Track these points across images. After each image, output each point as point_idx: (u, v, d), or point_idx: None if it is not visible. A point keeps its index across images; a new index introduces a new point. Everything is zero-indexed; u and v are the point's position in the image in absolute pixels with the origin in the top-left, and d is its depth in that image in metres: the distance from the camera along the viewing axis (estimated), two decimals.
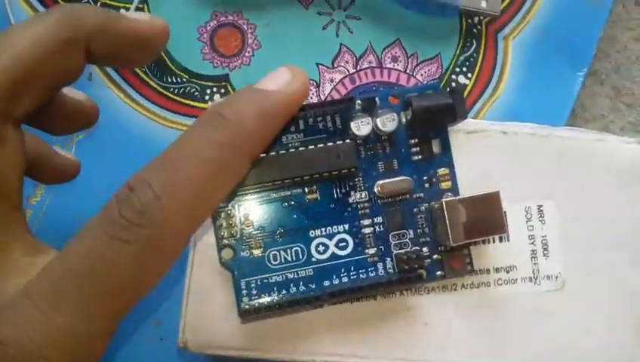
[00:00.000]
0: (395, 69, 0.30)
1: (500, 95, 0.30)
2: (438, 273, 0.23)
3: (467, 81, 0.30)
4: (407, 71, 0.30)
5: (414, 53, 0.30)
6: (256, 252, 0.23)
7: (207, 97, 0.28)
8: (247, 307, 0.22)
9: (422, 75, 0.30)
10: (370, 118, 0.23)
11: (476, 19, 0.30)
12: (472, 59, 0.30)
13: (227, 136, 0.18)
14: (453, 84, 0.30)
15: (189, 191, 0.17)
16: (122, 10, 0.29)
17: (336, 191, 0.23)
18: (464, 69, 0.30)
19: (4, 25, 0.29)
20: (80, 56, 0.19)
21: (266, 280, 0.23)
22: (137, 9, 0.29)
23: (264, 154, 0.22)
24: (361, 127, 0.23)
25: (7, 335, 0.16)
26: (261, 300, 0.22)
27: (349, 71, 0.29)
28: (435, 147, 0.23)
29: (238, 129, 0.19)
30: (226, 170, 0.19)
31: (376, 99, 0.23)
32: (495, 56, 0.30)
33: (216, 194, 0.19)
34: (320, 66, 0.29)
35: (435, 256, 0.23)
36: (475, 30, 0.30)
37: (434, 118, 0.23)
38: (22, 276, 0.17)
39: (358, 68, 0.30)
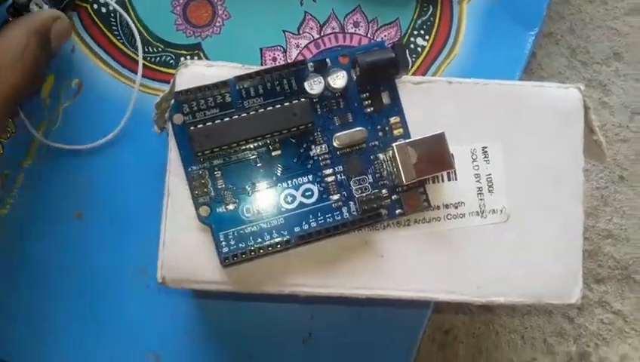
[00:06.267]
0: (357, 34, 0.31)
1: (457, 55, 0.31)
2: (398, 211, 0.25)
3: (425, 43, 0.32)
4: (369, 35, 0.32)
5: (374, 19, 0.32)
6: (231, 207, 0.25)
7: None
8: (226, 256, 0.24)
9: (382, 38, 0.31)
10: (322, 78, 0.25)
11: None
12: (429, 23, 0.32)
13: None
14: (412, 46, 0.32)
15: None
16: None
17: (298, 146, 0.25)
18: (422, 32, 0.32)
19: None
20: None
21: (242, 231, 0.24)
22: None
23: (228, 119, 0.24)
24: (314, 86, 0.25)
25: None
26: (239, 249, 0.24)
27: (313, 37, 0.31)
28: (385, 98, 0.25)
29: None
30: None
31: (327, 60, 0.25)
32: (450, 20, 0.32)
33: None
34: (286, 33, 0.31)
35: (393, 197, 0.25)
36: None
37: (380, 72, 0.25)
38: None
39: (322, 34, 0.31)
